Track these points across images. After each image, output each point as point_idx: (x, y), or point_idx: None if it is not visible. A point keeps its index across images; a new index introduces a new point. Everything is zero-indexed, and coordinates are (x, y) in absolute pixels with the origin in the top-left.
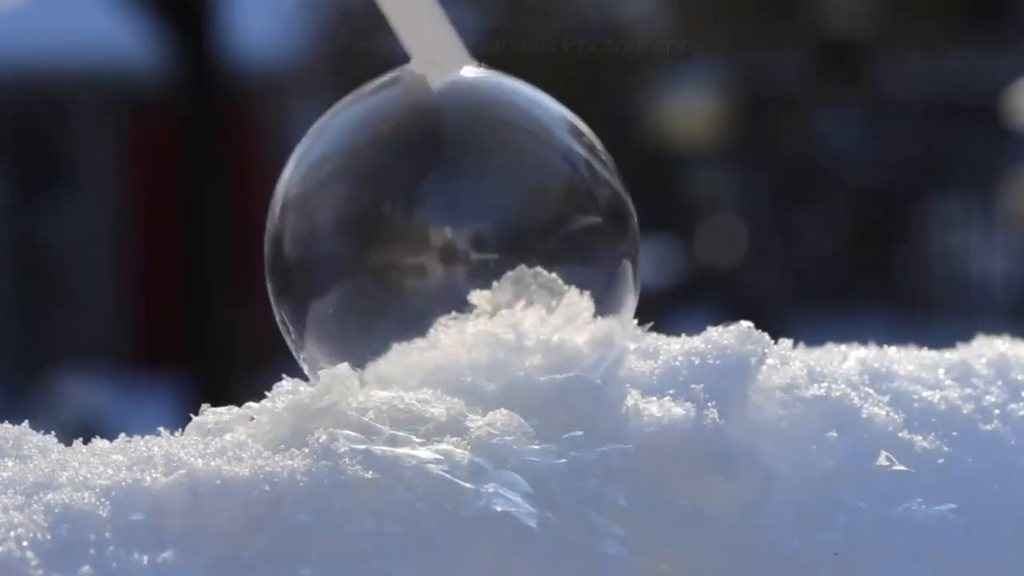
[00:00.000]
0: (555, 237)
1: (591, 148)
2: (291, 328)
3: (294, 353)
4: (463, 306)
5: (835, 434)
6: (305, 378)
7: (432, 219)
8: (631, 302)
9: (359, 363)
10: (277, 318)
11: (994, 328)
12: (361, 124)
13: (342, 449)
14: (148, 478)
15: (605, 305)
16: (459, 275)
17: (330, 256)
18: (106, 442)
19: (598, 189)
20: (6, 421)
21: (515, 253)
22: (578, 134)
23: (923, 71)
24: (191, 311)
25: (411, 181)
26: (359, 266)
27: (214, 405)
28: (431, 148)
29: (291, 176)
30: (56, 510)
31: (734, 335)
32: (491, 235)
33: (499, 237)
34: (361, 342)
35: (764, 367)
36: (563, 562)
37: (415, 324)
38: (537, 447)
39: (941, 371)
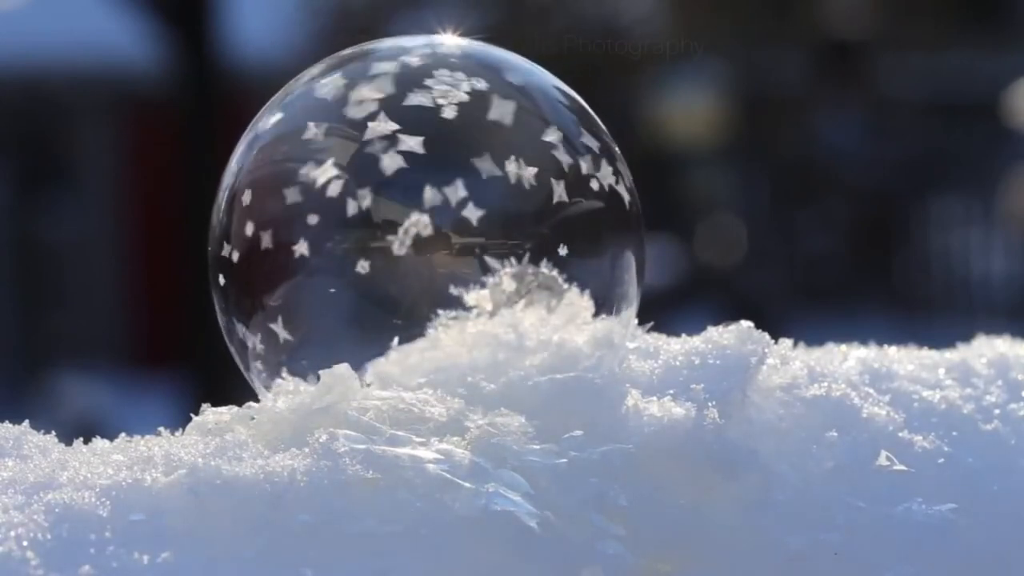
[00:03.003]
0: (548, 223)
1: (592, 127)
2: (253, 336)
3: (250, 372)
4: (445, 296)
5: (835, 434)
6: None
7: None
8: (634, 292)
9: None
10: (231, 327)
11: (994, 328)
12: (328, 99)
13: (342, 449)
14: (148, 478)
15: (609, 290)
16: (447, 265)
17: (305, 249)
18: (106, 442)
19: (597, 172)
20: (6, 421)
21: (504, 240)
22: (576, 110)
23: (923, 71)
24: (191, 311)
25: (389, 162)
26: (337, 259)
27: (214, 405)
28: (412, 127)
29: (243, 159)
30: (56, 510)
31: (734, 335)
32: (480, 220)
33: (487, 222)
34: (347, 345)
35: (764, 367)
36: (563, 562)
37: (407, 321)
38: (537, 447)
39: (941, 371)
